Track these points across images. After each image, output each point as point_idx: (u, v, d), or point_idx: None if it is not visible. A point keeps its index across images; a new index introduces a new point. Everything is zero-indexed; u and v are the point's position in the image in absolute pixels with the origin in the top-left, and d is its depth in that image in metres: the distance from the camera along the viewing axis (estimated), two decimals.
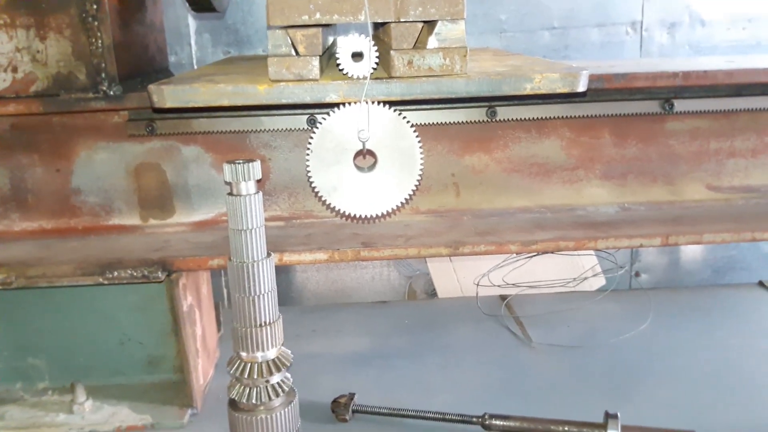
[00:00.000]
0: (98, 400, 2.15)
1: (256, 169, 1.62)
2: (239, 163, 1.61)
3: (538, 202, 2.20)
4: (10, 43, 1.79)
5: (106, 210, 2.15)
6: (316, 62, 1.40)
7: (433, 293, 3.20)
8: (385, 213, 1.51)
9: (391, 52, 1.39)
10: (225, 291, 2.96)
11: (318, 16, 1.34)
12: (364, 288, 3.31)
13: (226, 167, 1.62)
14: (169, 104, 1.40)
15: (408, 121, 1.46)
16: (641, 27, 3.20)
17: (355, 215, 1.51)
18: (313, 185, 1.49)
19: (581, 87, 1.43)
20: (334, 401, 2.07)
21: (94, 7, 1.77)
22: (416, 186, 1.51)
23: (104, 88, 1.83)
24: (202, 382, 2.19)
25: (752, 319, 2.66)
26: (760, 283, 2.92)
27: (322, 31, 1.39)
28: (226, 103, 1.42)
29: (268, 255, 1.66)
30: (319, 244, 2.01)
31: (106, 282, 1.95)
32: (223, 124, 2.02)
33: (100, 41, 1.79)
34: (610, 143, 2.16)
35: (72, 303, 2.16)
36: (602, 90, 1.96)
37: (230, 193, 1.62)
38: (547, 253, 2.17)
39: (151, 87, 1.40)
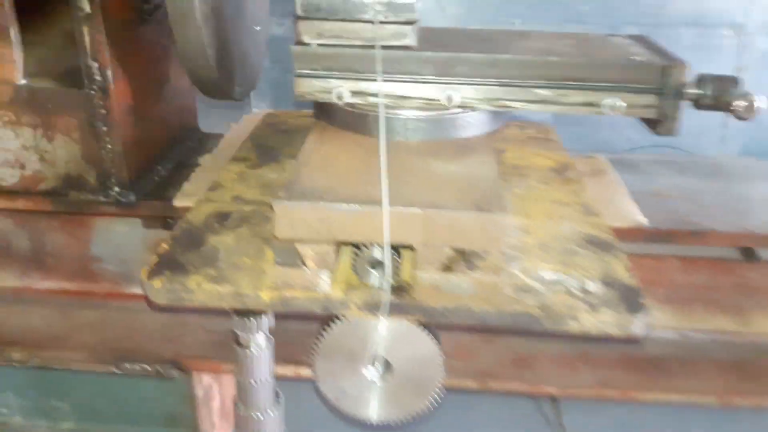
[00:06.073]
0: None
1: (265, 323, 1.49)
2: (249, 317, 1.48)
3: None
4: (16, 140, 1.64)
5: (125, 278, 2.07)
6: (326, 276, 1.21)
7: None
8: (399, 422, 1.36)
9: (416, 272, 1.19)
10: None
11: (331, 235, 1.15)
12: None
13: (235, 319, 1.49)
14: (161, 302, 1.25)
15: (428, 333, 1.27)
16: (742, 30, 2.83)
17: (368, 422, 1.36)
18: (320, 389, 1.34)
19: (639, 332, 1.20)
20: None
21: (103, 112, 1.58)
22: (436, 398, 1.33)
23: (115, 194, 1.68)
24: None
25: None
26: None
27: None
28: (225, 306, 1.26)
29: (277, 399, 1.56)
30: None
31: (118, 371, 1.91)
32: None
33: (109, 146, 1.62)
34: (678, 268, 1.90)
35: None
36: (672, 240, 1.70)
37: (238, 344, 1.51)
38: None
39: (145, 282, 1.25)
